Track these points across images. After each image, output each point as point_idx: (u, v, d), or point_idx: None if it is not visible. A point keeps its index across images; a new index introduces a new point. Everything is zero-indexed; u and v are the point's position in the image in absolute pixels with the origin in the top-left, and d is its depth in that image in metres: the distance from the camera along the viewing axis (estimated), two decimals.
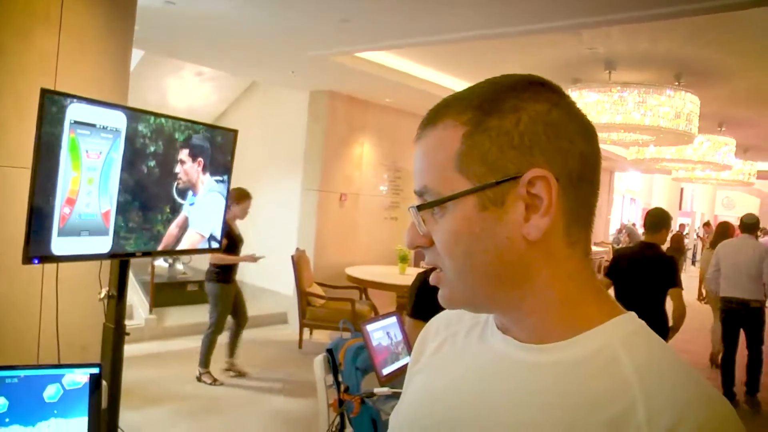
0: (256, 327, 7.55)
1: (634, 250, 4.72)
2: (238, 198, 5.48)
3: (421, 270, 3.78)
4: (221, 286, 5.50)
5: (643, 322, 0.76)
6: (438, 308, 0.86)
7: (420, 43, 5.24)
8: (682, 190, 22.33)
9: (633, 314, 0.77)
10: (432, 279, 0.82)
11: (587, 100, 6.01)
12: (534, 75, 0.77)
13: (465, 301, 0.80)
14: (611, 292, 4.29)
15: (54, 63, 3.09)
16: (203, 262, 8.47)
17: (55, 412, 1.56)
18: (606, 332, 0.73)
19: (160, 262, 7.72)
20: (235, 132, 3.06)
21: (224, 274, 5.51)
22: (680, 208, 22.41)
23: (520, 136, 0.71)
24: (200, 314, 7.41)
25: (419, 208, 0.76)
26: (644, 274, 4.31)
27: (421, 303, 3.09)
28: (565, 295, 0.76)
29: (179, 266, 8.12)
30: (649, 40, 5.18)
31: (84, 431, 1.59)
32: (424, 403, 0.86)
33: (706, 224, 16.32)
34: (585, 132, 0.75)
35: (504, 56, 5.87)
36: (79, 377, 1.60)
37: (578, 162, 0.74)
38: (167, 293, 7.58)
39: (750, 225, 5.83)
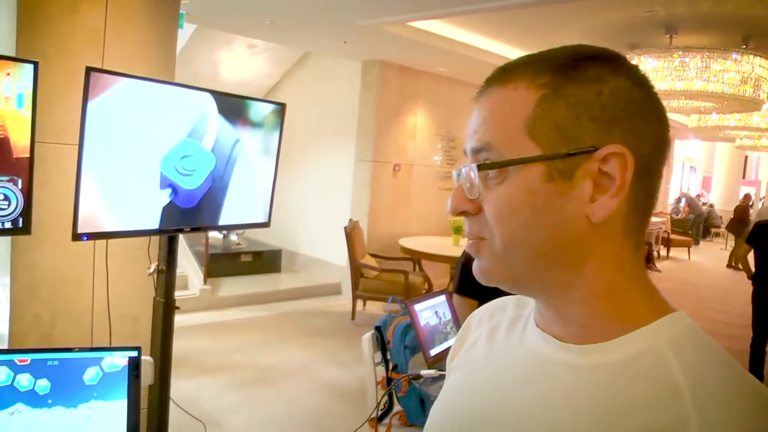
0: (309, 297, 7.64)
1: None
2: None
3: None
4: None
5: (693, 321, 0.68)
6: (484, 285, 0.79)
7: (472, 11, 5.09)
8: (746, 157, 21.50)
9: (682, 313, 0.69)
10: (469, 247, 0.74)
11: (646, 66, 5.73)
12: (613, 50, 0.70)
13: (506, 277, 0.72)
14: (751, 257, 5.28)
15: (102, 38, 3.10)
16: (257, 233, 8.60)
17: (95, 394, 1.58)
18: (653, 333, 0.66)
19: (214, 233, 7.82)
20: (283, 105, 3.03)
21: None
22: (744, 177, 21.56)
23: (601, 109, 0.66)
24: (254, 285, 7.53)
25: (480, 167, 0.69)
26: None
27: (468, 279, 3.01)
28: (613, 288, 0.69)
29: (233, 237, 8.22)
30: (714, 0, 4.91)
31: (123, 413, 1.60)
32: (460, 397, 0.83)
33: None
34: (660, 117, 0.69)
35: (559, 22, 5.68)
36: (118, 360, 1.60)
37: (650, 147, 0.68)
38: (221, 264, 7.68)
39: None
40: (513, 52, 6.69)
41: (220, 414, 4.13)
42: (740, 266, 5.60)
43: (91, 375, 1.58)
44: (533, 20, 5.63)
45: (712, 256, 14.82)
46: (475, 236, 0.73)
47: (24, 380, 1.52)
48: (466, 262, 3.06)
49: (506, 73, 0.71)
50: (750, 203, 15.04)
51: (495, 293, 0.92)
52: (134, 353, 1.60)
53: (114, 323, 2.87)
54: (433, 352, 2.59)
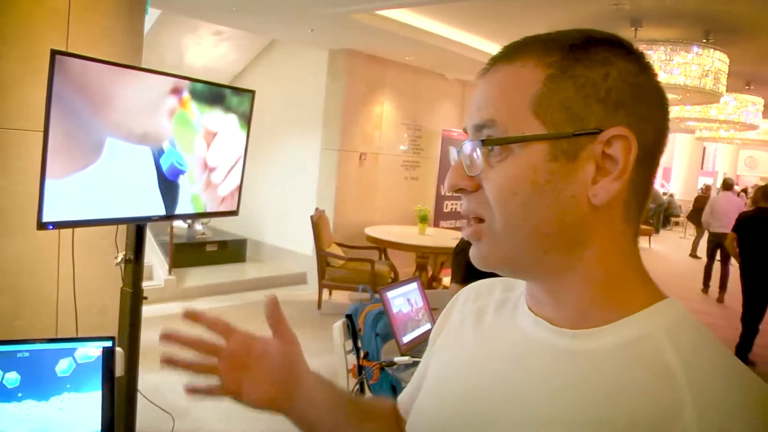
0: (275, 287, 7.59)
1: (755, 214, 6.12)
2: None
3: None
4: None
5: (685, 309, 0.69)
6: (487, 274, 0.79)
7: (440, 1, 5.09)
8: (704, 149, 21.96)
9: (675, 300, 0.70)
10: (467, 233, 0.74)
11: None
12: (623, 37, 0.70)
13: (505, 260, 0.72)
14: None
15: (65, 21, 3.01)
16: (222, 223, 8.51)
17: (68, 386, 1.53)
18: (648, 319, 0.67)
19: (179, 223, 7.70)
20: (252, 92, 3.00)
21: None
22: (702, 168, 22.03)
23: (608, 91, 0.66)
24: (220, 275, 7.46)
25: (485, 142, 0.68)
26: (763, 232, 5.87)
27: (472, 268, 2.99)
28: (612, 274, 0.69)
29: (198, 227, 8.11)
30: None
31: (98, 405, 1.56)
32: (448, 381, 0.82)
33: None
34: (663, 105, 0.70)
35: (527, 13, 5.70)
36: (92, 351, 1.56)
37: (652, 134, 0.68)
38: (186, 254, 7.58)
39: None
40: (480, 43, 6.71)
41: (188, 405, 4.08)
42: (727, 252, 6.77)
43: (63, 366, 1.53)
44: (501, 11, 5.65)
45: (673, 244, 15.12)
46: (473, 214, 0.72)
47: None
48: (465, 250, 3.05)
49: (514, 51, 0.70)
50: (710, 193, 15.43)
51: None
52: (108, 343, 1.56)
53: (80, 314, 2.81)
54: (406, 339, 2.59)
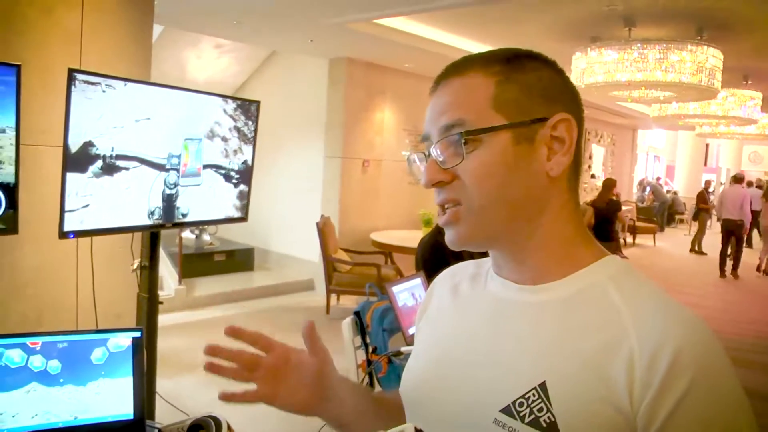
0: (283, 294, 7.69)
1: None
2: None
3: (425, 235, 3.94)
4: None
5: (626, 261, 0.87)
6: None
7: (437, 8, 5.21)
8: (707, 145, 21.99)
9: (616, 256, 0.87)
10: (444, 220, 0.87)
11: (606, 59, 5.94)
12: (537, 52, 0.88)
13: (483, 235, 0.86)
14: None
15: (78, 39, 3.15)
16: (229, 233, 8.62)
17: (103, 373, 1.68)
18: (595, 271, 0.84)
19: (187, 234, 7.82)
20: (257, 103, 3.12)
21: None
22: (705, 164, 22.05)
23: (544, 89, 0.84)
24: (228, 284, 7.57)
25: (463, 134, 0.81)
26: None
27: (439, 256, 3.16)
28: (563, 236, 0.86)
29: (206, 237, 8.23)
30: None
31: (129, 390, 1.70)
32: (434, 349, 0.96)
33: None
34: (578, 99, 0.89)
35: (522, 17, 5.82)
36: (123, 341, 1.70)
37: (578, 120, 0.86)
38: (195, 264, 7.69)
39: None
40: (477, 47, 6.83)
41: (203, 409, 4.16)
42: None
43: (98, 355, 1.68)
44: (497, 16, 5.76)
45: (677, 241, 15.15)
46: (450, 202, 0.86)
47: (37, 361, 1.62)
48: (436, 245, 3.22)
49: (462, 66, 0.86)
50: (710, 189, 15.50)
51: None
52: (137, 334, 1.71)
53: (98, 320, 2.93)
54: (411, 330, 2.72)
